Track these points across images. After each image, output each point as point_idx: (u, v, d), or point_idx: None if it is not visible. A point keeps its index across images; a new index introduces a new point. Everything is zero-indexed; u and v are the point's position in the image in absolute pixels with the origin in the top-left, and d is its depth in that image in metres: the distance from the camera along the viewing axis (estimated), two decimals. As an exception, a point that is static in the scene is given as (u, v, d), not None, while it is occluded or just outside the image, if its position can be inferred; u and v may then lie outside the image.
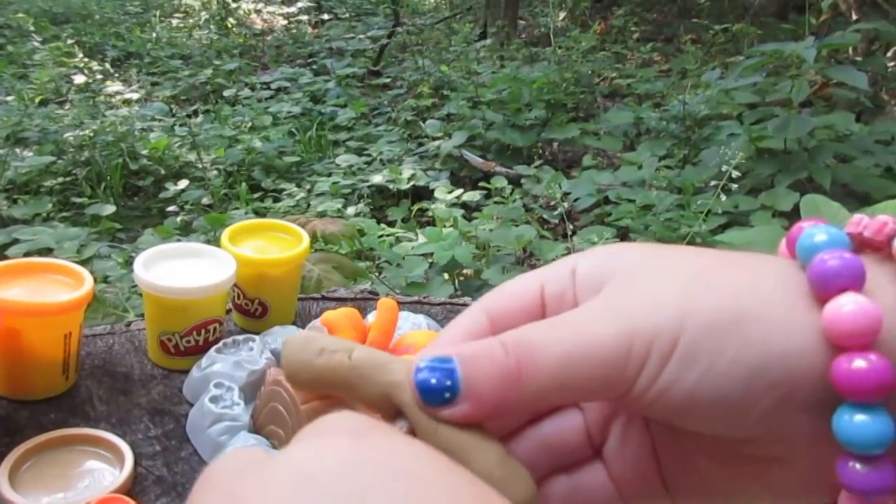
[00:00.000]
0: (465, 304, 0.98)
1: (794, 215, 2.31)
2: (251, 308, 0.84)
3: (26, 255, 2.26)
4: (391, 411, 0.28)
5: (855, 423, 0.24)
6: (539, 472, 0.30)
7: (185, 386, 0.74)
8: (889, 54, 3.66)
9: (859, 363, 0.24)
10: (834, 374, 0.24)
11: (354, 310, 0.74)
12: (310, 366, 0.29)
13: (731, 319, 0.25)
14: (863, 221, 0.27)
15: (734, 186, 1.21)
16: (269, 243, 0.87)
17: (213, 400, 0.68)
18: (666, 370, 0.25)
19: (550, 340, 0.26)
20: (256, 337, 0.77)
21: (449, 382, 0.26)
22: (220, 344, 0.75)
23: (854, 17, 3.96)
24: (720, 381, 0.25)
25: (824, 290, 0.25)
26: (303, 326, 0.82)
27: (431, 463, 0.23)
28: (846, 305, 0.24)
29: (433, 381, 0.26)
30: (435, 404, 0.26)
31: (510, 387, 0.25)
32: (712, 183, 1.20)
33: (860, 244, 0.27)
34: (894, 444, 0.24)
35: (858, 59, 3.59)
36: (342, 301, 0.94)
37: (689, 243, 2.29)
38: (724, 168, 1.18)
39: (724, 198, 1.20)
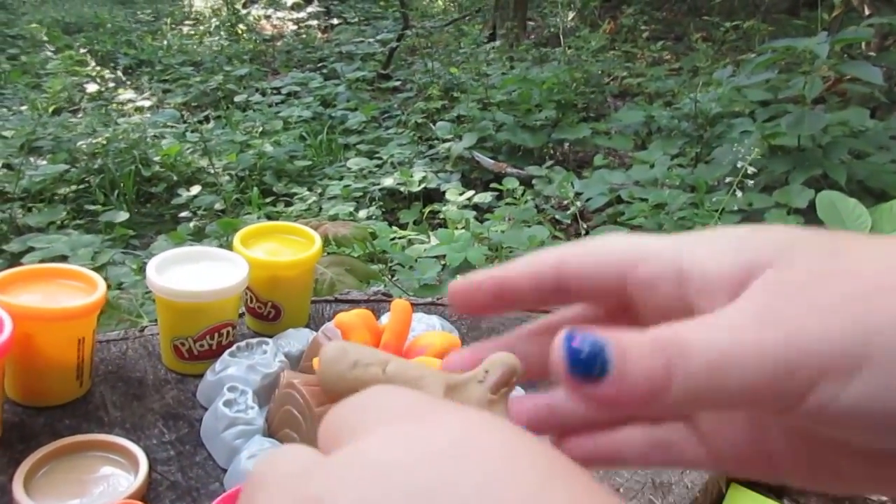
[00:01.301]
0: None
1: (809, 212, 2.28)
2: (264, 311, 0.84)
3: (41, 262, 2.27)
4: None
5: None
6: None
7: (199, 390, 0.74)
8: (903, 48, 3.62)
9: None
10: None
11: (368, 311, 0.73)
12: (343, 378, 0.29)
13: None
14: None
15: (750, 183, 1.19)
16: (282, 246, 0.87)
17: (228, 404, 0.68)
18: (845, 393, 0.22)
19: (705, 343, 0.23)
20: (270, 340, 0.77)
21: (601, 361, 0.22)
22: (234, 347, 0.75)
23: (867, 12, 3.92)
24: None
25: None
26: (316, 329, 0.81)
27: (507, 432, 0.21)
28: None
29: (585, 351, 0.22)
30: (580, 376, 0.22)
31: (660, 385, 0.23)
32: (727, 180, 1.19)
33: None
34: None
35: (872, 54, 3.55)
36: (355, 303, 0.93)
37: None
38: (738, 165, 1.16)
39: (739, 194, 1.19)
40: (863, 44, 3.58)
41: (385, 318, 0.79)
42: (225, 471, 0.65)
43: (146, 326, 0.85)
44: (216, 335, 0.76)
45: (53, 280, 0.73)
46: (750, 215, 2.39)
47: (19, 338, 0.64)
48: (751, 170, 1.14)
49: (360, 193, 3.15)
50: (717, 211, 2.17)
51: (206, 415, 0.70)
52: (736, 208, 1.95)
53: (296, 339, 0.79)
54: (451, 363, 0.30)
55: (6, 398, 0.69)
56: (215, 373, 0.73)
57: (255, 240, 0.86)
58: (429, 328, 0.82)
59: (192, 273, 0.78)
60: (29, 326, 0.66)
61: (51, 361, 0.68)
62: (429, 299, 0.96)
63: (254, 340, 0.76)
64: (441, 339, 0.73)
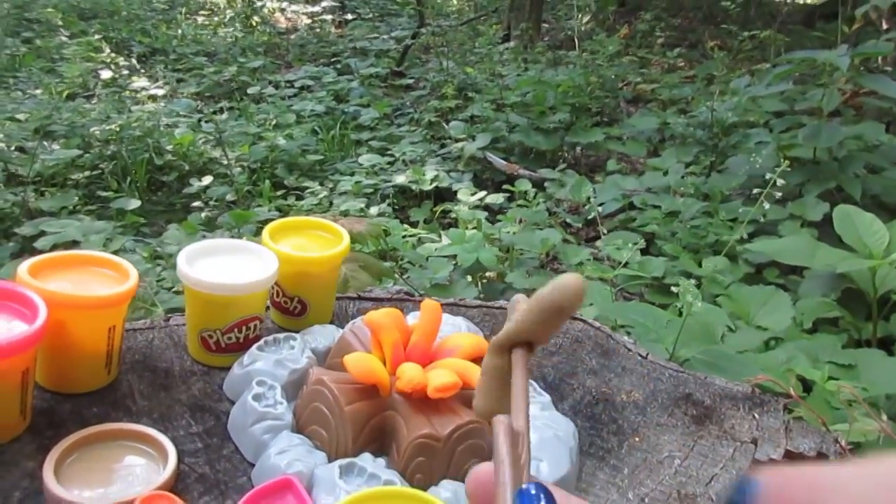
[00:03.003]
0: (501, 308, 0.97)
1: (823, 225, 2.27)
2: (290, 306, 0.84)
3: (53, 247, 2.27)
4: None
5: None
6: None
7: (226, 383, 0.74)
8: (921, 64, 3.61)
9: None
10: None
11: (397, 311, 0.73)
12: None
13: None
14: None
15: (778, 195, 1.19)
16: (309, 241, 0.87)
17: (257, 398, 0.68)
18: None
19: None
20: (297, 335, 0.77)
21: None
22: (262, 342, 0.75)
23: (884, 26, 3.91)
24: None
25: None
26: (341, 326, 0.81)
27: None
28: None
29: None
30: None
31: None
32: (755, 191, 1.18)
33: None
34: None
35: (888, 68, 3.54)
36: (378, 301, 0.93)
37: (716, 252, 2.26)
38: (767, 176, 1.16)
39: (766, 206, 1.18)
40: (879, 58, 3.57)
41: (411, 318, 0.79)
42: (252, 465, 0.65)
43: (171, 316, 0.85)
44: (244, 328, 0.76)
45: (85, 267, 0.73)
46: (764, 227, 2.38)
47: (52, 324, 0.64)
48: (780, 182, 1.13)
49: (371, 190, 3.15)
50: (733, 220, 2.17)
51: (234, 408, 0.70)
52: (752, 219, 1.94)
53: (322, 335, 0.79)
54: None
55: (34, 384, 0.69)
56: (243, 366, 0.73)
57: (282, 234, 0.86)
58: (454, 329, 0.82)
59: (222, 265, 0.78)
60: (62, 313, 0.66)
61: (82, 349, 0.68)
62: (452, 300, 0.96)
63: (281, 335, 0.76)
64: (469, 341, 0.73)
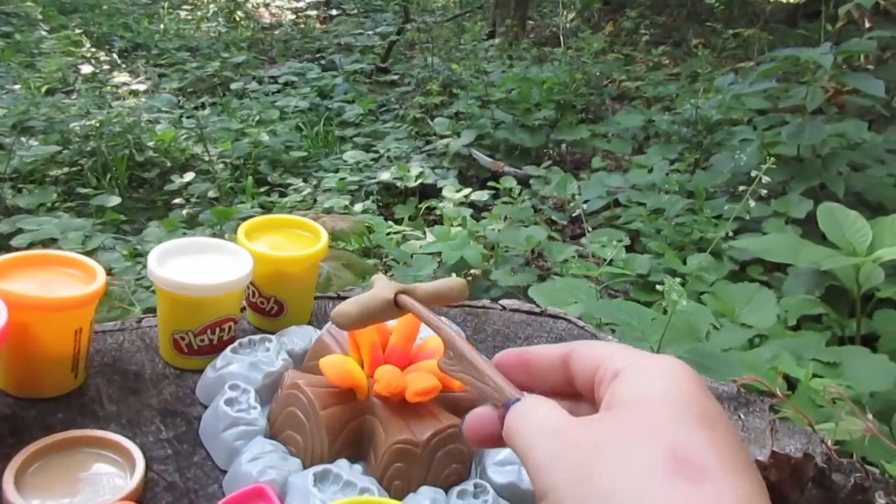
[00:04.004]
0: (483, 308, 0.95)
1: (807, 223, 2.28)
2: (266, 306, 0.82)
3: (30, 245, 2.23)
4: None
5: None
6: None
7: (199, 387, 0.72)
8: (903, 63, 3.63)
9: None
10: None
11: (376, 312, 0.71)
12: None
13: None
14: None
15: (764, 192, 1.18)
16: (286, 240, 0.84)
17: (229, 403, 0.65)
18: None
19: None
20: (273, 337, 0.74)
21: None
22: (236, 344, 0.72)
23: (867, 24, 3.93)
24: None
25: None
26: (319, 327, 0.79)
27: None
28: None
29: None
30: None
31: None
32: (741, 189, 1.17)
33: None
34: None
35: (870, 67, 3.55)
36: (358, 301, 0.91)
37: (701, 249, 2.26)
38: (753, 174, 1.15)
39: (752, 203, 1.17)
40: (861, 56, 3.58)
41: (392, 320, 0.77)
42: (224, 472, 0.63)
43: (143, 318, 0.82)
44: (217, 330, 0.74)
45: (50, 267, 0.70)
46: (748, 224, 2.38)
47: (14, 327, 0.61)
48: (766, 179, 1.12)
49: (356, 187, 3.12)
50: (715, 217, 2.16)
51: (205, 413, 0.67)
52: (742, 216, 1.94)
53: (299, 336, 0.77)
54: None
55: (-2, 389, 0.67)
56: (216, 369, 0.70)
57: (259, 233, 0.84)
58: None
59: (195, 265, 0.75)
60: (25, 315, 0.63)
61: (46, 352, 0.66)
62: (433, 299, 0.94)
63: (256, 337, 0.74)
64: (449, 343, 0.71)
